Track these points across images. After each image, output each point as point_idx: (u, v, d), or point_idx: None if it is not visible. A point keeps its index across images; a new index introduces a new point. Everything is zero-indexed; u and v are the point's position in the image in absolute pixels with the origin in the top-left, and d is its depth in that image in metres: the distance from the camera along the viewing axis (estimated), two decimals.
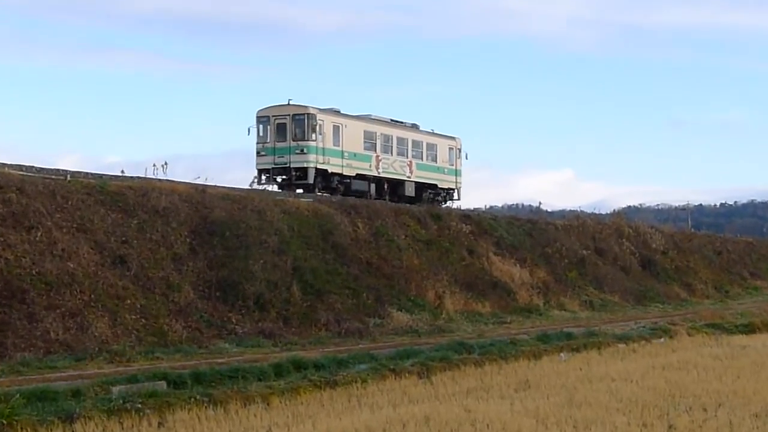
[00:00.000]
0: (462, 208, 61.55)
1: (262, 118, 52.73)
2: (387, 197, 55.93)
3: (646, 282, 65.82)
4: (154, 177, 42.48)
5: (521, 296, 51.85)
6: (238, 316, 35.98)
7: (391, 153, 56.94)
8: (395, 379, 25.24)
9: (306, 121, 51.67)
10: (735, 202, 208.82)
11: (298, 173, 51.58)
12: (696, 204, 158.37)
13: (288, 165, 51.57)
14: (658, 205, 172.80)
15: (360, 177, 54.68)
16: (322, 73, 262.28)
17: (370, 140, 55.47)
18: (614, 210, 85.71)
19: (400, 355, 28.82)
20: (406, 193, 57.92)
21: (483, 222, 57.38)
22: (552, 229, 63.11)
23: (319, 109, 52.65)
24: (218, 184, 44.18)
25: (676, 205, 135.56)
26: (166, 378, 22.87)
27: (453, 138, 62.88)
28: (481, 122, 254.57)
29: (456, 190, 62.71)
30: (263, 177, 52.30)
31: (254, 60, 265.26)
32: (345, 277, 42.53)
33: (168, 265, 36.00)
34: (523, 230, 60.24)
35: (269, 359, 27.40)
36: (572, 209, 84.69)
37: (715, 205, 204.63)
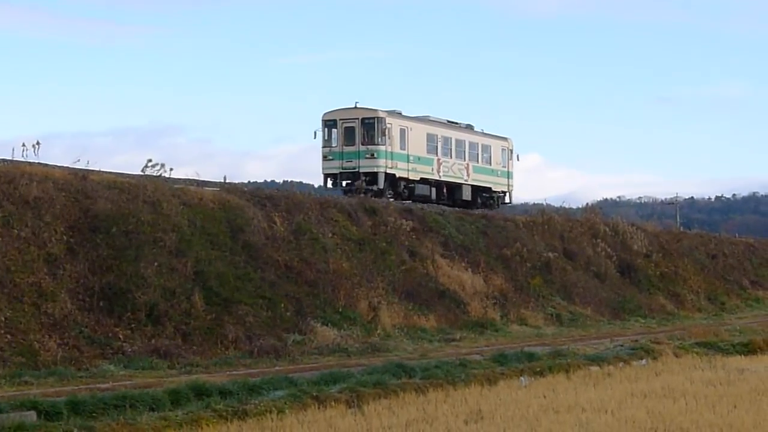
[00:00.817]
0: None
1: (329, 122, 60.93)
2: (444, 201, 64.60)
3: (625, 291, 66.45)
4: (23, 160, 42.15)
5: (473, 308, 52.12)
6: (127, 332, 35.86)
7: (450, 156, 65.60)
8: (319, 408, 25.29)
9: (376, 124, 59.98)
10: (734, 195, 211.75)
11: (367, 178, 59.12)
12: (687, 197, 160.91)
13: (357, 170, 59.63)
14: (640, 198, 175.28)
15: (423, 181, 62.72)
16: (234, 32, 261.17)
17: (432, 143, 63.99)
18: (587, 204, 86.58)
19: (325, 380, 28.94)
20: (463, 197, 66.46)
21: (427, 217, 57.62)
22: (511, 227, 63.49)
23: (387, 112, 60.62)
24: (103, 169, 44.06)
25: (663, 198, 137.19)
26: (36, 407, 22.76)
27: (505, 139, 71.71)
28: (427, 93, 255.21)
29: (508, 193, 71.63)
30: (329, 182, 60.79)
31: (159, 18, 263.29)
32: (258, 283, 42.52)
33: (40, 268, 35.76)
34: (477, 228, 60.56)
35: (164, 384, 27.37)
36: (537, 202, 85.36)
37: (710, 198, 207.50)
